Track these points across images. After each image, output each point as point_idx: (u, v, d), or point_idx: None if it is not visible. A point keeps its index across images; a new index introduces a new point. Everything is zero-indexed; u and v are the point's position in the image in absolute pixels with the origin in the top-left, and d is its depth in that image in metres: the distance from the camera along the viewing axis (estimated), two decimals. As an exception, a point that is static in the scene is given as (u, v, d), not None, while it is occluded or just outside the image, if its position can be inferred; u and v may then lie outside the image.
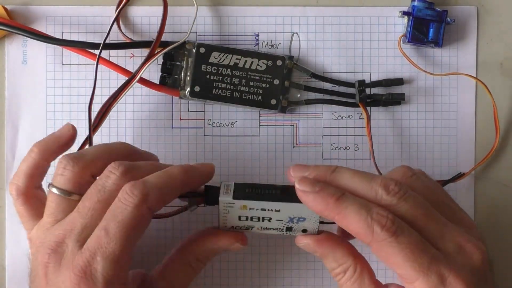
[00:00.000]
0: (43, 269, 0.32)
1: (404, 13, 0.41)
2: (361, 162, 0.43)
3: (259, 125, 0.43)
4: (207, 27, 0.43)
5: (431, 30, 0.41)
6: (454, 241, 0.31)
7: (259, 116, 0.43)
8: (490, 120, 0.42)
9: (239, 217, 0.35)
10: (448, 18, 0.41)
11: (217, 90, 0.41)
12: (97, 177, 0.34)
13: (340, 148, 0.43)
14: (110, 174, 0.33)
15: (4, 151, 0.42)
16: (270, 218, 0.35)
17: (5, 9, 0.41)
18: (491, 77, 0.42)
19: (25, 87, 0.42)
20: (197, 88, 0.41)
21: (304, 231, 0.36)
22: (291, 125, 0.43)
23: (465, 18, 0.43)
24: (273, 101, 0.42)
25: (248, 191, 0.35)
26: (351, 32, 0.43)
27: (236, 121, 0.43)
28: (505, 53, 0.43)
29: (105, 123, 0.40)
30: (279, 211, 0.35)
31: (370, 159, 0.42)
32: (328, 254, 0.35)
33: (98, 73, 0.38)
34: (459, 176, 0.42)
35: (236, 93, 0.41)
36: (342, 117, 0.43)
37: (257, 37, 0.43)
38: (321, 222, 0.35)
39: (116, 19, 0.42)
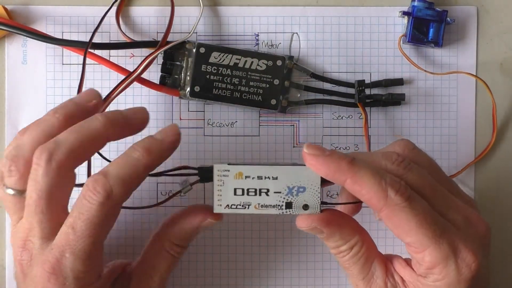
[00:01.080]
0: (19, 265, 0.33)
1: (404, 13, 0.41)
2: (361, 162, 0.43)
3: (259, 125, 0.43)
4: (207, 27, 0.43)
5: (431, 30, 0.41)
6: (461, 213, 0.31)
7: (259, 116, 0.43)
8: (491, 120, 0.42)
9: (235, 190, 0.33)
10: (448, 18, 0.41)
11: (217, 90, 0.41)
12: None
13: (340, 148, 0.43)
14: (37, 167, 0.32)
15: (4, 151, 0.42)
16: (268, 191, 0.33)
17: (5, 9, 0.41)
18: (491, 77, 0.42)
19: (25, 87, 0.42)
20: (197, 88, 0.41)
21: (305, 207, 0.33)
22: (291, 125, 0.43)
23: (465, 18, 0.43)
24: (273, 101, 0.42)
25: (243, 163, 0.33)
26: (351, 32, 0.43)
27: (236, 121, 0.43)
28: (505, 53, 0.43)
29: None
30: (276, 178, 0.33)
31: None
32: (335, 233, 0.33)
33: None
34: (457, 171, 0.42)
35: (236, 93, 0.41)
36: (342, 117, 0.43)
37: (257, 37, 0.43)
38: (323, 203, 0.33)
39: (116, 18, 0.42)
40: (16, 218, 0.34)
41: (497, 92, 0.42)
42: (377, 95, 0.42)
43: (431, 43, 0.41)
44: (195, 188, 0.35)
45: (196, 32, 0.42)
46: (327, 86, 0.43)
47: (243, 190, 0.33)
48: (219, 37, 0.43)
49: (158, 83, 0.42)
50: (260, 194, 0.33)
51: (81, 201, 0.32)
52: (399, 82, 0.42)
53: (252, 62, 0.41)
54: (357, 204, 0.35)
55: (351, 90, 0.42)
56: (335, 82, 0.42)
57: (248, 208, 0.33)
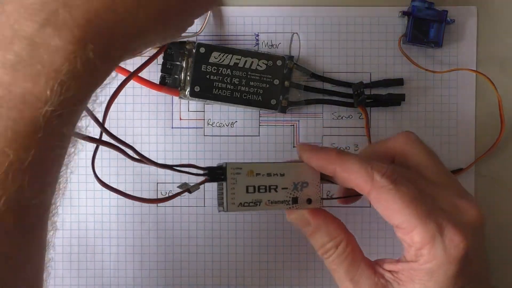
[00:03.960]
0: None
1: (404, 13, 0.41)
2: (361, 162, 0.43)
3: (259, 125, 0.43)
4: (207, 27, 0.42)
5: (431, 30, 0.41)
6: (449, 200, 0.32)
7: (259, 116, 0.43)
8: (490, 120, 0.42)
9: (247, 188, 0.34)
10: (448, 18, 0.41)
11: (217, 90, 0.41)
12: None
13: (340, 148, 0.43)
14: None
15: (4, 151, 0.42)
16: (276, 187, 0.34)
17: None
18: (491, 77, 0.42)
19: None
20: (197, 88, 0.41)
21: (309, 201, 0.35)
22: (291, 125, 0.43)
23: (465, 18, 0.43)
24: (273, 101, 0.42)
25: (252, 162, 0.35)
26: (351, 32, 0.43)
27: (236, 121, 0.43)
28: (505, 53, 0.43)
29: (106, 123, 0.39)
30: (283, 175, 0.34)
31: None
32: (321, 227, 0.34)
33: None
34: (459, 170, 0.42)
35: (236, 93, 0.41)
36: (342, 117, 0.43)
37: (257, 37, 0.43)
38: (324, 199, 0.35)
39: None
40: None
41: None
42: (377, 95, 0.42)
43: (431, 43, 0.41)
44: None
45: (196, 32, 0.42)
46: (327, 86, 0.43)
47: (254, 187, 0.34)
48: (219, 37, 0.43)
49: (158, 83, 0.42)
50: (269, 191, 0.34)
51: None
52: (399, 82, 0.42)
53: (252, 62, 0.41)
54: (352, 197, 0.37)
55: (351, 91, 0.42)
56: (335, 82, 0.42)
57: (259, 205, 0.34)
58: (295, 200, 0.35)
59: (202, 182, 0.34)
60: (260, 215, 0.42)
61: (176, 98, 0.42)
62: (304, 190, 0.35)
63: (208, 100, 0.42)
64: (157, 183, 0.43)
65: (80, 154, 0.42)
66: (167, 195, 0.42)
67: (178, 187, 0.34)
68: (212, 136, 0.43)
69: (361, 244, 0.34)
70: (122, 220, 0.42)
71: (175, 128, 0.43)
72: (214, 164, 0.34)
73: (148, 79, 0.41)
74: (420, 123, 0.43)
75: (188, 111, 0.43)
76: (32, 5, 0.25)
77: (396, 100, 0.42)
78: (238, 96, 0.41)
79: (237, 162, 0.34)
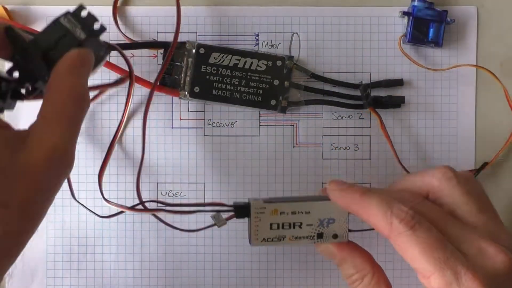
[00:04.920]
0: None
1: (404, 13, 0.41)
2: (361, 162, 0.43)
3: (259, 125, 0.43)
4: (207, 27, 0.42)
5: (431, 30, 0.41)
6: (475, 244, 0.31)
7: (259, 116, 0.43)
8: (491, 120, 0.42)
9: (271, 225, 0.35)
10: (448, 18, 0.41)
11: (216, 90, 0.41)
12: None
13: (340, 148, 0.43)
14: None
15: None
16: (301, 224, 0.35)
17: (5, 9, 0.41)
18: (491, 77, 0.42)
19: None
20: (196, 89, 0.41)
21: (335, 236, 0.35)
22: (291, 125, 0.43)
23: (465, 18, 0.43)
24: (273, 102, 0.42)
25: (277, 199, 0.35)
26: (351, 32, 0.43)
27: (236, 121, 0.43)
28: (505, 53, 0.43)
29: (105, 123, 0.40)
30: (309, 213, 0.35)
31: (370, 159, 0.43)
32: (347, 259, 0.35)
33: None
34: (484, 166, 0.42)
35: (236, 93, 0.41)
36: (342, 117, 0.43)
37: (257, 37, 0.43)
38: (350, 231, 0.36)
39: (114, 18, 0.42)
40: None
41: (497, 92, 0.42)
42: (377, 97, 0.42)
43: (431, 43, 0.41)
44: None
45: (196, 32, 0.42)
46: (327, 86, 0.43)
47: (278, 224, 0.35)
48: (219, 37, 0.43)
49: (158, 83, 0.42)
50: (294, 227, 0.35)
51: None
52: (399, 82, 0.42)
53: (252, 62, 0.41)
54: None
55: (351, 91, 0.42)
56: (335, 83, 0.42)
57: (283, 240, 0.35)
58: (320, 235, 0.35)
59: (229, 218, 0.36)
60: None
61: (176, 98, 0.42)
62: (330, 226, 0.35)
63: (208, 101, 0.42)
64: (157, 183, 0.43)
65: (79, 154, 0.42)
66: (167, 195, 0.42)
67: (211, 216, 0.36)
68: (212, 136, 0.43)
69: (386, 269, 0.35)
70: (122, 220, 0.42)
71: (175, 128, 0.43)
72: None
73: (148, 79, 0.41)
74: (420, 123, 0.43)
75: (188, 111, 0.43)
76: None
77: (396, 103, 0.42)
78: (238, 96, 0.41)
79: (261, 200, 0.35)
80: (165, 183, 0.43)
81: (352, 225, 0.36)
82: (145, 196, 0.42)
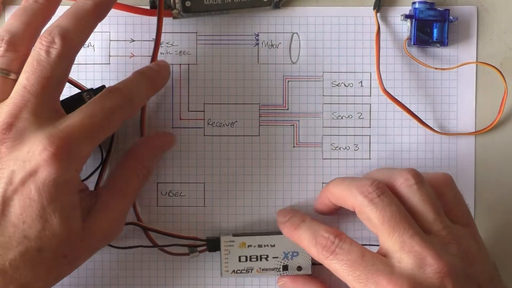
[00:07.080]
0: None
1: (406, 17, 0.41)
2: (361, 162, 0.43)
3: (259, 125, 0.43)
4: (207, 27, 0.42)
5: (435, 30, 0.41)
6: (415, 249, 0.33)
7: (259, 116, 0.43)
8: (491, 120, 0.42)
9: (239, 258, 0.39)
10: (450, 17, 0.41)
11: (208, 0, 0.41)
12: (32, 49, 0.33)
13: (340, 148, 0.43)
14: (49, 48, 0.32)
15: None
16: (267, 256, 0.39)
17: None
18: (491, 77, 0.42)
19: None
20: (188, 3, 0.41)
21: (299, 268, 0.39)
22: (291, 125, 0.43)
23: (465, 18, 0.43)
24: None
25: (245, 233, 0.40)
26: (351, 32, 0.43)
27: (236, 121, 0.43)
28: (505, 53, 0.43)
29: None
30: (274, 246, 0.39)
31: (370, 159, 0.43)
32: None
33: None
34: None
35: None
36: (342, 117, 0.43)
37: (257, 37, 0.43)
38: (313, 264, 0.39)
39: None
40: None
41: (497, 92, 0.42)
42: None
43: (436, 43, 0.41)
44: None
45: (196, 32, 0.42)
46: (328, 86, 0.43)
47: (246, 257, 0.39)
48: (219, 37, 0.43)
49: (149, 7, 0.41)
50: (260, 260, 0.40)
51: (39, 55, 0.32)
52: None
53: None
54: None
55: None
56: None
57: (251, 272, 0.40)
58: (285, 268, 0.40)
59: (202, 251, 0.41)
60: (258, 215, 0.42)
61: (176, 98, 0.42)
62: (295, 259, 0.39)
63: (202, 13, 0.41)
64: (157, 183, 0.43)
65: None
66: (167, 195, 0.42)
67: (188, 248, 0.41)
68: (212, 136, 0.43)
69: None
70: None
71: (175, 128, 0.43)
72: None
73: (138, 6, 0.41)
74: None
75: (188, 111, 0.43)
76: None
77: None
78: (230, 0, 0.41)
79: (234, 235, 0.40)
80: (165, 183, 0.43)
81: (356, 226, 0.36)
82: (145, 196, 0.42)
